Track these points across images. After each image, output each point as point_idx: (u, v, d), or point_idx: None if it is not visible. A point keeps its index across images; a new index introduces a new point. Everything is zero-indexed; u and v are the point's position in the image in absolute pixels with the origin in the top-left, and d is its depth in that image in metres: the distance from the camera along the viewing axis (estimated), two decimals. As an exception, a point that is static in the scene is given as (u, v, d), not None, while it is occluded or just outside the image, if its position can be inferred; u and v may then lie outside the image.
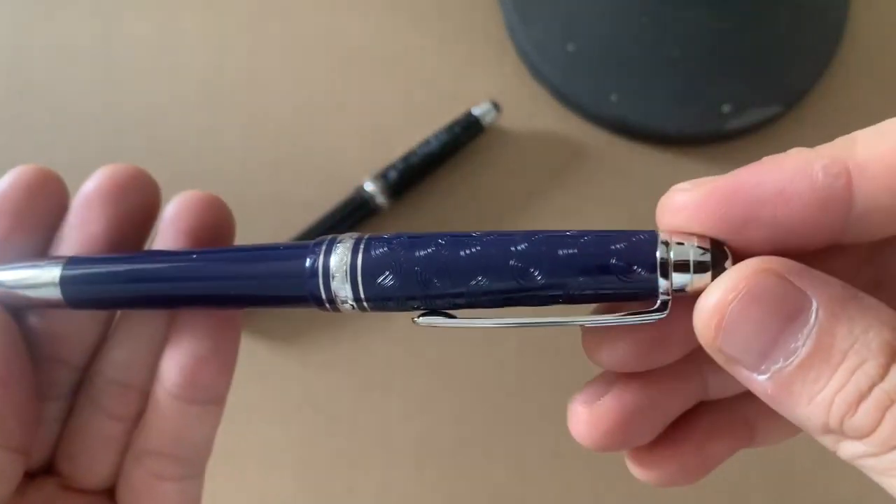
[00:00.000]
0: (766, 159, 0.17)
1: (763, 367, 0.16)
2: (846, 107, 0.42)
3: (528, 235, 0.18)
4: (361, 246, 0.19)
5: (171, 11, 0.42)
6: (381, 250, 0.19)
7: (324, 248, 0.19)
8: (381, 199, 0.38)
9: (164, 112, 0.40)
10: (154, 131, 0.40)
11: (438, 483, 0.36)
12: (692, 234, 0.17)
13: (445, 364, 0.37)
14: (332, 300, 0.19)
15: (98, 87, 0.41)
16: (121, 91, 0.41)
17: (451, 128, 0.39)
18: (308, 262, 0.19)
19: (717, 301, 0.16)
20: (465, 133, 0.39)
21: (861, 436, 0.15)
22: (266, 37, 0.42)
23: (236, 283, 0.20)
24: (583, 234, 0.18)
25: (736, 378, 0.17)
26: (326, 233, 0.38)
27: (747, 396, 0.21)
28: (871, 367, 0.15)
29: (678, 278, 0.17)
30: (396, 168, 0.39)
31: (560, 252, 0.17)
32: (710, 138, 0.40)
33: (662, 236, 0.17)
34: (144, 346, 0.22)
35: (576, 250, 0.17)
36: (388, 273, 0.19)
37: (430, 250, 0.19)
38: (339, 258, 0.19)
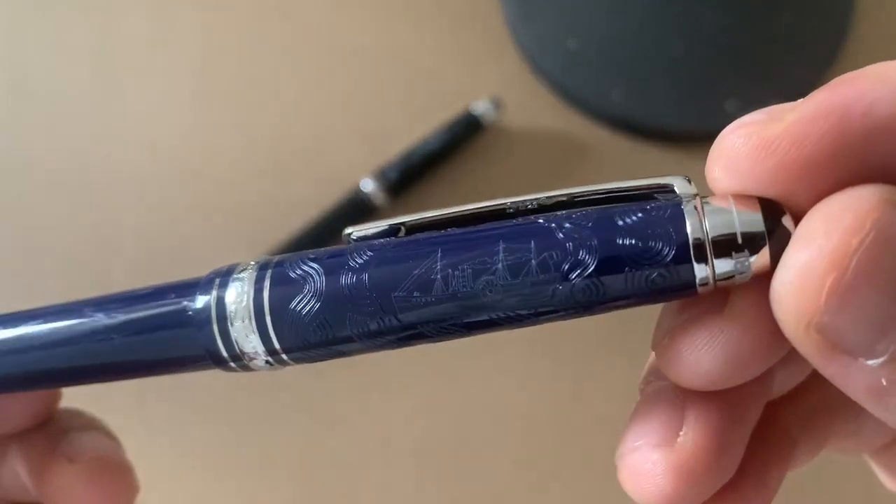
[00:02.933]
0: (854, 73, 0.13)
1: (881, 347, 0.11)
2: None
3: (504, 234, 0.13)
4: (269, 274, 0.14)
5: (168, 10, 0.42)
6: (299, 272, 0.13)
7: (217, 282, 0.14)
8: (380, 199, 0.38)
9: (162, 111, 0.40)
10: (151, 131, 0.40)
11: (438, 486, 0.36)
12: (728, 197, 0.13)
13: (445, 365, 0.37)
14: (236, 356, 0.14)
15: (95, 86, 0.41)
16: (118, 90, 0.40)
17: (451, 126, 0.39)
18: (197, 304, 0.14)
19: (834, 250, 0.11)
20: (466, 131, 0.39)
21: None
22: (265, 34, 0.42)
23: (98, 346, 0.15)
24: (568, 218, 0.13)
25: (823, 371, 0.12)
26: (325, 232, 0.38)
27: (787, 400, 0.17)
28: None
29: (721, 264, 0.13)
30: (395, 167, 0.38)
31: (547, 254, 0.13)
32: (714, 136, 0.39)
33: (689, 204, 0.13)
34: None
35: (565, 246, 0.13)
36: (309, 306, 0.13)
37: (364, 266, 0.13)
38: (239, 294, 0.14)
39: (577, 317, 0.14)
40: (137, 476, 0.20)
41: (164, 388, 0.37)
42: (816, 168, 0.12)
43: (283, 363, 0.14)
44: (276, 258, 0.14)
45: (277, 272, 0.14)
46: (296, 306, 0.13)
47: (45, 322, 0.15)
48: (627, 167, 0.40)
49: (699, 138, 0.40)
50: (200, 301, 0.14)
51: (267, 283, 0.13)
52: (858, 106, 0.12)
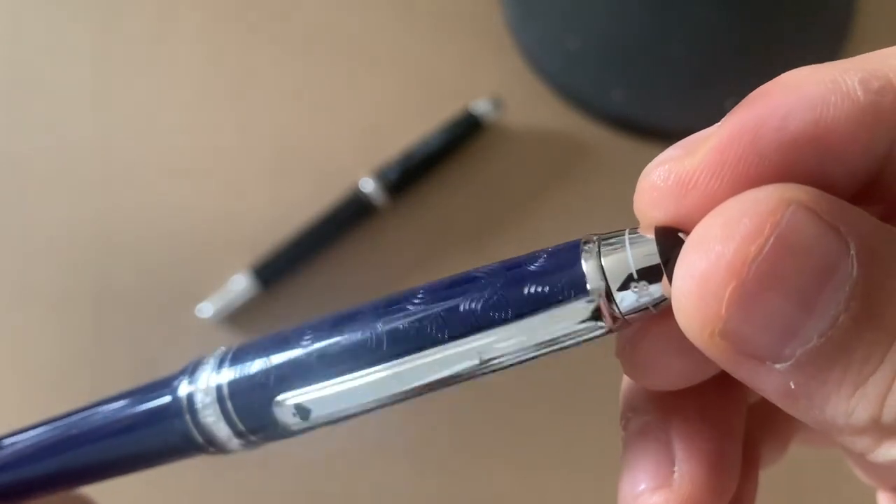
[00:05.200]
0: (769, 86, 0.13)
1: (788, 350, 0.11)
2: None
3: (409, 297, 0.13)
4: (228, 359, 0.15)
5: (168, 10, 0.42)
6: (253, 358, 0.14)
7: (186, 377, 0.15)
8: (379, 198, 0.38)
9: (162, 111, 0.40)
10: (151, 130, 0.40)
11: (436, 486, 0.36)
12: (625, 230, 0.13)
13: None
14: (211, 442, 0.14)
15: (95, 85, 0.40)
16: (117, 90, 0.40)
17: (451, 126, 0.39)
18: (170, 397, 0.15)
19: (734, 256, 0.11)
20: (466, 131, 0.39)
21: None
22: (264, 35, 0.42)
23: (93, 450, 0.16)
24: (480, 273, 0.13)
25: (734, 375, 0.12)
26: (325, 232, 0.38)
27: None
28: None
29: (624, 297, 0.12)
30: (395, 166, 0.38)
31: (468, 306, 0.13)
32: (714, 136, 0.40)
33: (584, 240, 0.13)
34: None
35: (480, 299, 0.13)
36: (265, 388, 0.14)
37: (300, 350, 0.14)
38: (205, 381, 0.14)
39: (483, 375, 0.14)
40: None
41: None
42: (738, 191, 0.12)
43: (253, 444, 0.15)
44: (235, 347, 0.15)
45: (236, 355, 0.14)
46: (251, 391, 0.14)
47: (43, 435, 0.16)
48: (627, 167, 0.40)
49: (699, 138, 0.40)
50: (175, 395, 0.15)
51: (226, 369, 0.14)
52: (772, 122, 0.12)
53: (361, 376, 0.13)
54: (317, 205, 0.38)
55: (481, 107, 0.39)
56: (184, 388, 0.15)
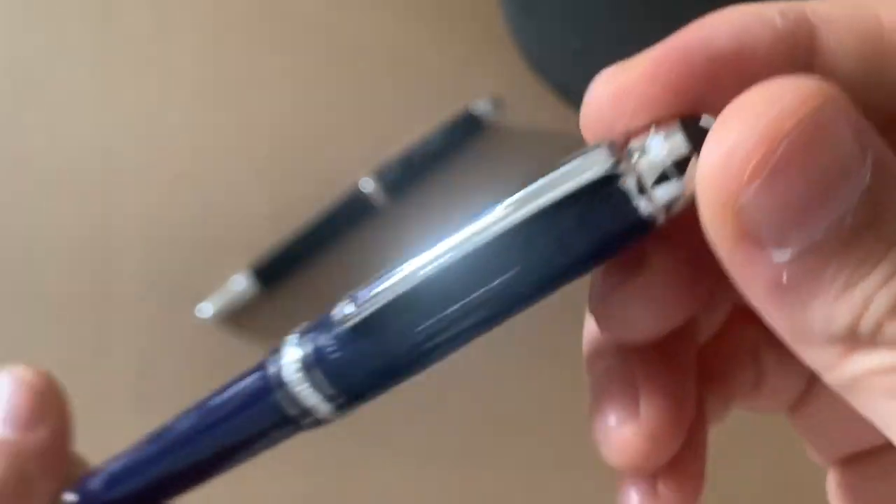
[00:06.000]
0: (703, 19, 0.14)
1: (791, 241, 0.11)
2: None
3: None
4: (307, 330, 0.15)
5: (168, 10, 0.42)
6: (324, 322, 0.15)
7: (271, 357, 0.16)
8: (378, 198, 0.38)
9: (162, 111, 0.40)
10: (151, 130, 0.40)
11: (440, 486, 0.36)
12: (645, 126, 0.13)
13: (447, 366, 0.37)
14: (304, 410, 0.15)
15: (95, 86, 0.40)
16: (117, 91, 0.40)
17: (451, 125, 0.39)
18: (260, 377, 0.16)
19: (769, 127, 0.11)
20: (466, 131, 0.39)
21: None
22: (264, 34, 0.42)
23: (197, 448, 0.17)
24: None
25: (728, 262, 0.12)
26: (325, 232, 0.38)
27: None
28: None
29: (661, 192, 0.13)
30: (395, 166, 0.38)
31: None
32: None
33: (609, 144, 0.14)
34: None
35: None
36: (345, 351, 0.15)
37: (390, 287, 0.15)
38: (291, 355, 0.15)
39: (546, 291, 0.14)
40: None
41: (164, 394, 0.37)
42: (670, 99, 0.13)
43: (343, 408, 0.15)
44: (314, 320, 0.16)
45: (313, 329, 0.15)
46: (334, 352, 0.15)
47: (151, 446, 0.18)
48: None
49: (699, 138, 0.40)
50: (264, 375, 0.16)
51: (311, 339, 0.15)
52: (699, 42, 0.13)
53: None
54: (316, 205, 0.38)
55: (481, 107, 0.39)
56: (272, 368, 0.15)
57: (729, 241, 0.12)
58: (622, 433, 0.16)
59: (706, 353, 0.18)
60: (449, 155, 0.39)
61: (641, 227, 0.13)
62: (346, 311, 0.15)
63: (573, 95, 0.40)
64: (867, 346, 0.12)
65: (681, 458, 0.16)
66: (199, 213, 0.38)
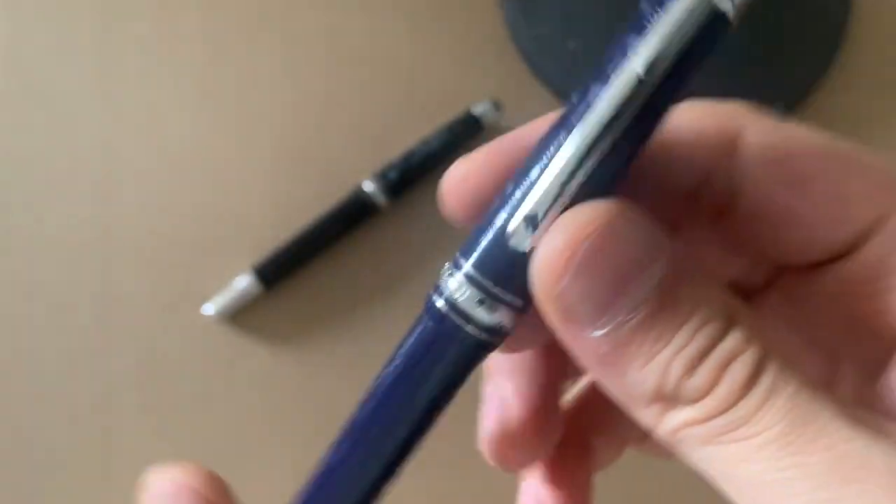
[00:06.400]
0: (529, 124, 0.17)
1: (602, 321, 0.14)
2: (848, 107, 0.41)
3: None
4: (457, 258, 0.17)
5: (169, 11, 0.42)
6: (475, 237, 0.16)
7: (434, 294, 0.16)
8: (380, 199, 0.38)
9: (164, 113, 0.40)
10: (152, 131, 0.40)
11: (439, 484, 0.36)
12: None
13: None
14: (481, 325, 0.16)
15: (97, 86, 0.41)
16: (119, 91, 0.41)
17: (451, 127, 0.39)
18: (429, 315, 0.16)
19: (572, 236, 0.14)
20: (466, 132, 0.39)
21: (696, 399, 0.14)
22: (265, 36, 0.42)
23: (398, 412, 0.17)
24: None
25: (563, 339, 0.15)
26: (327, 232, 0.38)
27: (580, 409, 0.22)
28: (713, 328, 0.14)
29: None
30: (396, 168, 0.38)
31: None
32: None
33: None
34: None
35: None
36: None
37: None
38: (455, 284, 0.16)
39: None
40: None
41: (167, 390, 0.37)
42: (499, 180, 0.17)
43: (518, 307, 0.16)
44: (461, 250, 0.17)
45: (462, 253, 0.16)
46: (488, 253, 0.16)
47: (345, 445, 0.19)
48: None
49: (697, 140, 0.40)
50: (437, 312, 0.16)
51: (468, 261, 0.16)
52: (515, 141, 0.17)
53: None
54: (319, 206, 0.38)
55: (481, 108, 0.39)
56: (438, 303, 0.16)
57: (556, 322, 0.15)
58: (489, 431, 0.20)
59: (596, 399, 0.21)
60: (449, 156, 0.39)
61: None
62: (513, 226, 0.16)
63: (570, 97, 0.40)
64: (673, 405, 0.15)
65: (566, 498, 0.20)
66: (203, 213, 0.39)
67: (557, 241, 0.15)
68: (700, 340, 0.14)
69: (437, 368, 0.17)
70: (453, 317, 0.16)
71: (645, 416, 0.15)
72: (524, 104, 0.41)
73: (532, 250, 0.15)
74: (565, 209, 0.15)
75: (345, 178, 0.38)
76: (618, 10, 0.42)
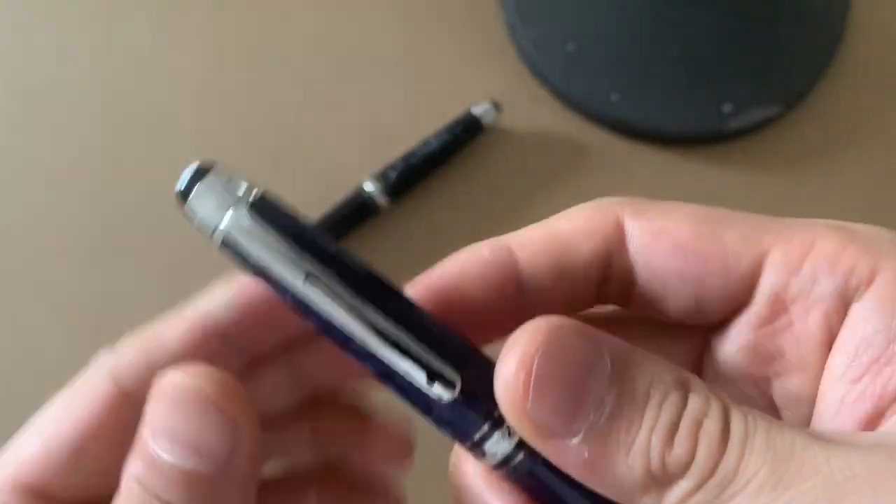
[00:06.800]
0: (441, 264, 0.19)
1: (576, 427, 0.15)
2: (847, 107, 0.42)
3: None
4: None
5: (170, 11, 0.42)
6: None
7: None
8: (380, 200, 0.38)
9: (164, 112, 0.40)
10: (153, 131, 0.40)
11: (439, 483, 0.36)
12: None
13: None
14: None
15: (97, 86, 0.41)
16: (121, 91, 0.41)
17: (451, 128, 0.39)
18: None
19: (522, 357, 0.15)
20: (465, 133, 0.39)
21: (683, 470, 0.15)
22: (265, 36, 0.42)
23: None
24: None
25: (549, 457, 0.16)
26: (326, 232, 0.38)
27: None
28: (673, 399, 0.15)
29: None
30: (396, 168, 0.38)
31: None
32: (711, 138, 0.40)
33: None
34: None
35: None
36: None
37: None
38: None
39: None
40: None
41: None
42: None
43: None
44: None
45: None
46: None
47: None
48: (625, 169, 0.40)
49: (697, 141, 0.40)
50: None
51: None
52: (440, 282, 0.19)
53: None
54: (319, 206, 0.38)
55: (481, 109, 0.39)
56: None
57: (536, 441, 0.16)
58: None
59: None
60: (449, 156, 0.39)
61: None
62: None
63: (570, 98, 0.41)
64: (666, 484, 0.15)
65: None
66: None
67: (510, 366, 0.15)
68: (667, 413, 0.15)
69: None
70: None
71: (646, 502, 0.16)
72: (524, 105, 0.41)
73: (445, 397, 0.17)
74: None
75: (346, 179, 0.39)
76: (617, 11, 0.42)
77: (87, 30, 0.42)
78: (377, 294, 0.17)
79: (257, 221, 0.17)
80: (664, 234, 0.18)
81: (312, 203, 0.38)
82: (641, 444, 0.15)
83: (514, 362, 0.15)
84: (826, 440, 0.15)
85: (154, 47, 0.41)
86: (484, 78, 0.41)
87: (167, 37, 0.42)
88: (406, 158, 0.39)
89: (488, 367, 0.17)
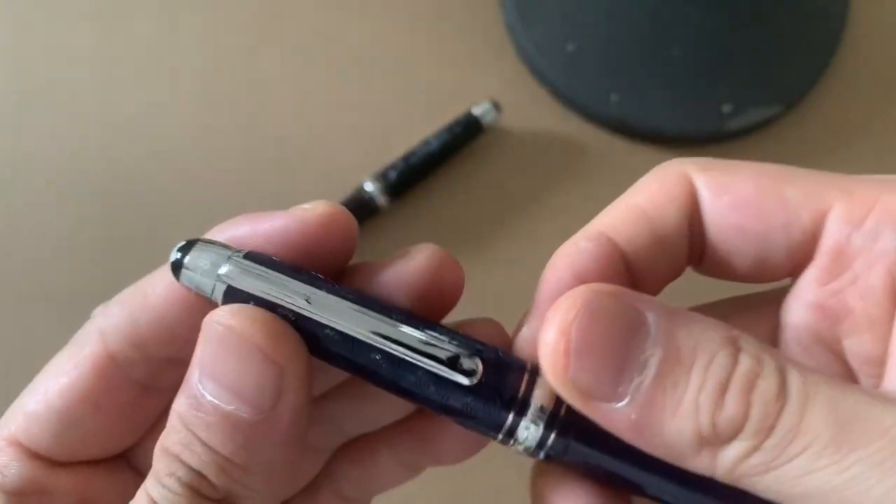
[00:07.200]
0: (551, 263, 0.19)
1: (620, 390, 0.15)
2: (846, 107, 0.42)
3: None
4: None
5: (171, 11, 0.42)
6: None
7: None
8: (381, 200, 0.38)
9: (165, 112, 0.40)
10: (154, 131, 0.40)
11: (438, 482, 0.36)
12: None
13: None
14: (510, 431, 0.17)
15: (98, 86, 0.41)
16: (121, 91, 0.41)
17: (451, 128, 0.39)
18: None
19: (561, 324, 0.16)
20: (465, 133, 0.39)
21: (736, 430, 0.15)
22: (266, 36, 0.42)
23: None
24: None
25: (597, 420, 0.16)
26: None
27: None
28: (722, 359, 0.15)
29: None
30: (396, 168, 0.39)
31: None
32: (711, 138, 0.40)
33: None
34: (375, 417, 0.22)
35: None
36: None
37: None
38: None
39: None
40: None
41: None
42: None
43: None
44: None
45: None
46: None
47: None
48: (624, 169, 0.40)
49: (696, 141, 0.40)
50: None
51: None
52: (561, 279, 0.18)
53: None
54: (319, 206, 0.38)
55: (481, 109, 0.40)
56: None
57: (582, 406, 0.16)
58: None
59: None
60: (450, 156, 0.39)
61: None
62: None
63: (570, 98, 0.41)
64: (719, 444, 0.15)
65: None
66: (204, 214, 0.39)
67: (550, 336, 0.16)
68: (715, 372, 0.15)
69: None
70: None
71: (700, 464, 0.15)
72: (523, 105, 0.41)
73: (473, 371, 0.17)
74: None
75: (346, 179, 0.39)
76: (617, 11, 0.42)
77: (87, 30, 0.42)
78: (375, 304, 0.17)
79: (254, 261, 0.18)
80: (728, 191, 0.18)
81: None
82: (689, 404, 0.15)
83: (553, 330, 0.16)
84: (893, 400, 0.15)
85: (154, 47, 0.42)
86: (484, 78, 0.41)
87: (167, 37, 0.42)
88: (406, 158, 0.39)
89: (506, 355, 0.17)
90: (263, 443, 0.17)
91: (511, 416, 0.17)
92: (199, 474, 0.16)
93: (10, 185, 0.39)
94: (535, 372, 0.17)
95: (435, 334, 0.17)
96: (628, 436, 0.16)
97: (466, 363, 0.17)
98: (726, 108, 0.40)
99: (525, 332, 0.18)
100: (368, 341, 0.17)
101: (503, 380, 0.17)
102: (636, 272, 0.18)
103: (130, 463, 0.21)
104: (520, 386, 0.17)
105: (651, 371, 0.15)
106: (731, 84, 0.41)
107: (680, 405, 0.15)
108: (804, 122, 0.41)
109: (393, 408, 0.21)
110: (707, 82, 0.41)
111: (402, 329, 0.17)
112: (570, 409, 0.17)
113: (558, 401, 0.17)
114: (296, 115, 0.41)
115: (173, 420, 0.17)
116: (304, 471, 0.22)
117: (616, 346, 0.15)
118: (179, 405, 0.17)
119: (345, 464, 0.22)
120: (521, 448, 0.17)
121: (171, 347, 0.19)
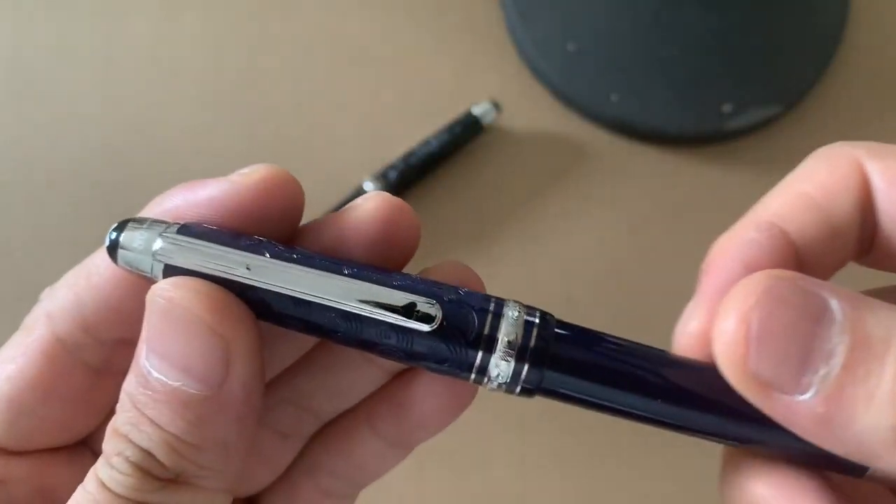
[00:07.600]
0: (714, 255, 0.18)
1: (805, 380, 0.14)
2: (846, 107, 0.42)
3: None
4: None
5: (171, 10, 0.42)
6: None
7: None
8: (381, 199, 0.38)
9: (164, 111, 0.40)
10: (154, 131, 0.40)
11: (438, 482, 0.36)
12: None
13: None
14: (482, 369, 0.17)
15: (98, 86, 0.41)
16: (121, 90, 0.41)
17: (451, 127, 0.39)
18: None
19: (740, 312, 0.15)
20: (465, 133, 0.39)
21: None
22: (266, 36, 0.42)
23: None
24: None
25: (774, 416, 0.15)
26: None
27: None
28: None
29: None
30: (396, 168, 0.39)
31: None
32: (711, 138, 0.40)
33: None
34: (347, 388, 0.20)
35: None
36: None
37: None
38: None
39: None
40: None
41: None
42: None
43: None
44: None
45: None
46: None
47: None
48: (624, 168, 0.40)
49: (696, 140, 0.40)
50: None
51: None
52: (729, 272, 0.17)
53: None
54: (319, 206, 0.38)
55: (481, 109, 0.40)
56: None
57: (762, 401, 0.15)
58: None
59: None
60: (450, 156, 0.39)
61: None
62: None
63: (570, 98, 0.41)
64: None
65: None
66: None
67: (728, 324, 0.15)
68: None
69: None
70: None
71: (891, 463, 0.14)
72: (524, 105, 0.41)
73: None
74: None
75: (346, 178, 0.39)
76: (617, 11, 0.42)
77: (87, 29, 0.42)
78: (324, 262, 0.17)
79: (189, 234, 0.17)
80: None
81: (312, 203, 0.38)
82: (884, 395, 0.14)
83: (732, 318, 0.15)
84: None
85: (154, 46, 0.42)
86: (484, 78, 0.41)
87: (167, 36, 0.42)
88: (406, 158, 0.39)
89: (468, 294, 0.16)
90: (215, 419, 0.16)
91: (480, 354, 0.16)
92: (148, 454, 0.16)
93: (10, 185, 0.39)
94: (500, 305, 0.17)
95: (387, 284, 0.16)
96: (813, 431, 0.15)
97: (424, 308, 0.16)
98: (726, 108, 0.40)
99: (692, 324, 0.17)
100: (319, 301, 0.16)
101: (466, 319, 0.16)
102: (804, 265, 0.17)
103: (93, 449, 0.20)
104: (485, 322, 0.16)
105: (839, 360, 0.14)
106: (731, 84, 0.41)
107: (873, 398, 0.14)
108: (804, 122, 0.41)
109: (363, 377, 0.20)
110: (707, 82, 0.41)
111: (351, 284, 0.16)
112: (539, 339, 0.16)
113: (527, 332, 0.16)
114: (296, 115, 0.41)
115: (122, 399, 0.16)
116: (275, 460, 0.21)
117: (800, 334, 0.14)
118: (128, 384, 0.16)
119: (322, 454, 0.21)
120: (495, 385, 0.17)
121: (121, 329, 0.19)
